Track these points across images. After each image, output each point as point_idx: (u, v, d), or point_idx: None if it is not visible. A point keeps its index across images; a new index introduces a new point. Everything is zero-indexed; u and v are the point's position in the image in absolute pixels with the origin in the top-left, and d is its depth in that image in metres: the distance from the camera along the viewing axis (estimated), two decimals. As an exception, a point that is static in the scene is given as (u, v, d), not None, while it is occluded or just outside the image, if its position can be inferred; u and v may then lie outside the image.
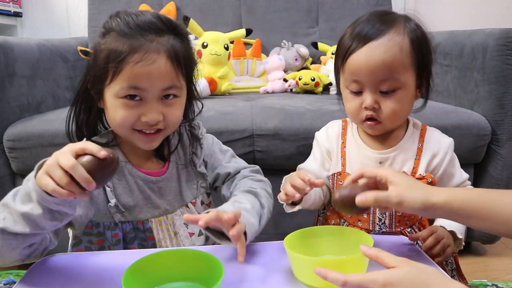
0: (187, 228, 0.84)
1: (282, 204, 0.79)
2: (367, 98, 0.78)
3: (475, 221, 0.62)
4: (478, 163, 1.39)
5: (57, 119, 1.29)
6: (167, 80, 0.72)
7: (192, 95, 0.83)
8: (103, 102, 0.76)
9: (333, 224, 0.87)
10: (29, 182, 0.58)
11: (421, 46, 0.78)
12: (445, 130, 1.28)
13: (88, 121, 0.80)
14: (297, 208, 0.78)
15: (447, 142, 0.85)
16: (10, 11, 1.99)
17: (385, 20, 0.78)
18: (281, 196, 0.75)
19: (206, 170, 0.88)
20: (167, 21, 0.74)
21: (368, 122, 0.80)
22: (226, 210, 0.68)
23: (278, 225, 1.27)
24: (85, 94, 0.78)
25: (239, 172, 0.89)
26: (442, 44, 1.57)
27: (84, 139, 0.79)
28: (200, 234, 0.85)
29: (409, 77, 0.78)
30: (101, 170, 0.56)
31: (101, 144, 0.77)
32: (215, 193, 0.92)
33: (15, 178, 1.33)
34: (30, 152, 1.25)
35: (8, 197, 0.61)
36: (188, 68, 0.77)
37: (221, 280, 0.55)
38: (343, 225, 0.86)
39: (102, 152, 0.55)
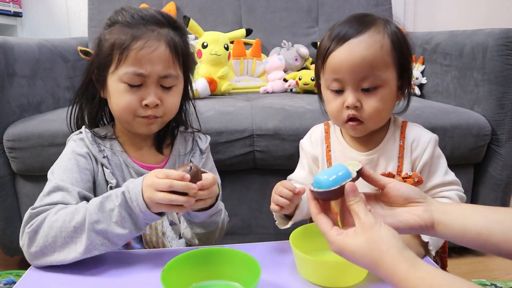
0: (172, 230, 0.86)
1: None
2: (349, 97, 0.77)
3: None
4: (478, 163, 1.39)
5: (57, 119, 1.29)
6: (165, 67, 0.77)
7: (187, 95, 0.87)
8: (106, 91, 0.81)
9: None
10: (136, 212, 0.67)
11: (402, 47, 0.78)
12: (445, 130, 1.30)
13: (90, 110, 0.86)
14: (290, 224, 0.77)
15: (427, 136, 0.83)
16: (10, 11, 1.99)
17: (364, 20, 0.78)
18: (273, 208, 0.74)
19: None
20: (167, 16, 0.80)
21: (350, 123, 0.79)
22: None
23: (278, 225, 1.27)
24: (90, 84, 0.83)
25: None
26: (442, 44, 1.57)
27: (83, 127, 0.83)
28: (180, 238, 0.88)
29: (390, 75, 0.77)
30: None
31: (100, 137, 0.83)
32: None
33: (15, 178, 1.33)
34: (30, 152, 1.25)
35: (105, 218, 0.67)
36: (186, 62, 0.82)
37: (258, 279, 0.57)
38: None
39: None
